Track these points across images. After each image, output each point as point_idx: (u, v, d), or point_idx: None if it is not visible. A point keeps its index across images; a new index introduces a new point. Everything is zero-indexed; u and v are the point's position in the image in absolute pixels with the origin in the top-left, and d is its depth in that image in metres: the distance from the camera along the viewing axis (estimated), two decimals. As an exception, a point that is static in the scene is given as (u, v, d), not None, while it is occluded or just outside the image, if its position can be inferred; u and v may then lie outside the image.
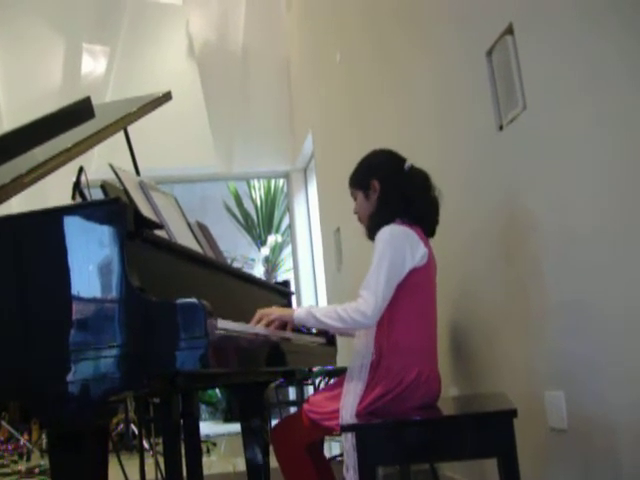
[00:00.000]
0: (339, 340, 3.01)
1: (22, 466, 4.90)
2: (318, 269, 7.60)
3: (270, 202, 9.65)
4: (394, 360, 2.23)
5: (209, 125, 7.67)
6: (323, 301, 7.21)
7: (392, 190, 2.41)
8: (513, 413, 1.76)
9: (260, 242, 9.54)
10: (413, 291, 2.26)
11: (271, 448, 2.48)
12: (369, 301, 2.15)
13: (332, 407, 2.21)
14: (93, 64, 7.63)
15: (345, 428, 1.95)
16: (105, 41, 7.61)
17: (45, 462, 5.23)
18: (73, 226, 1.69)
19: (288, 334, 2.30)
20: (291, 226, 8.39)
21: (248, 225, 9.83)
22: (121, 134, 2.90)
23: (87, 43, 7.61)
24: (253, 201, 9.78)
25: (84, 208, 1.73)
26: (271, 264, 9.12)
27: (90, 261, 1.66)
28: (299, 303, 7.75)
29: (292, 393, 7.65)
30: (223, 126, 7.79)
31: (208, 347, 1.58)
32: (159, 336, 1.57)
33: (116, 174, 2.22)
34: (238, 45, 8.02)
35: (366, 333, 2.31)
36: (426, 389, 2.23)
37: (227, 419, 8.46)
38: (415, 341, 2.27)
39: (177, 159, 7.34)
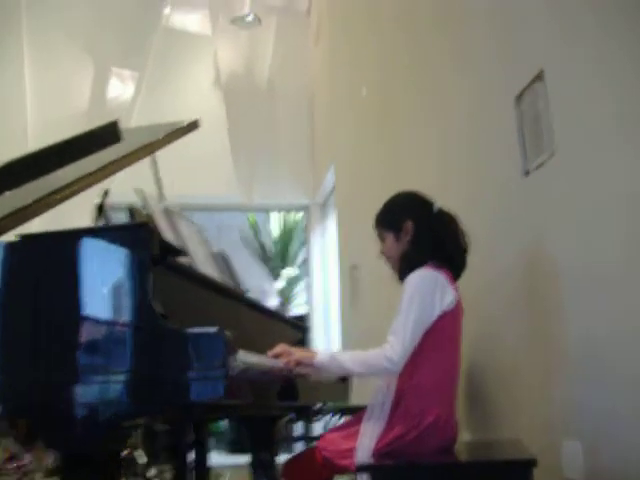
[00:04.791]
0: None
1: (25, 487, 4.85)
2: (332, 305, 7.57)
3: (287, 235, 9.65)
4: (414, 402, 2.20)
5: (231, 155, 7.72)
6: (335, 337, 7.16)
7: (424, 232, 2.40)
8: (533, 462, 1.73)
9: (275, 274, 9.52)
10: (439, 335, 2.24)
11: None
12: (396, 347, 2.13)
13: (347, 445, 2.17)
14: (121, 88, 7.70)
15: (361, 468, 1.92)
16: (134, 66, 7.70)
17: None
18: (99, 247, 1.70)
19: (307, 370, 2.27)
20: (307, 260, 8.37)
21: (265, 257, 9.82)
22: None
23: (116, 67, 7.70)
24: (270, 233, 9.79)
25: (112, 231, 1.74)
26: (285, 297, 9.09)
27: (114, 284, 1.66)
28: (311, 338, 7.69)
29: (298, 429, 7.60)
30: (245, 157, 7.84)
31: (227, 379, 1.56)
32: (178, 364, 1.56)
33: (143, 199, 2.23)
34: (264, 77, 8.10)
35: None
36: (444, 433, 2.20)
37: (233, 450, 8.34)
38: (437, 385, 2.24)
39: (198, 187, 7.36)
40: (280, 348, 2.19)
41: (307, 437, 6.70)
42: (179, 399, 1.57)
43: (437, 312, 2.23)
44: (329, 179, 7.20)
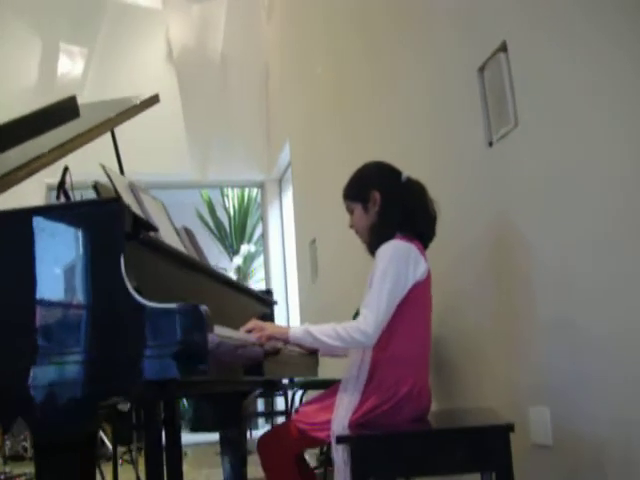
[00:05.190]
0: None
1: (-16, 473, 4.79)
2: (291, 280, 7.58)
3: (243, 211, 9.58)
4: (389, 373, 2.21)
5: (185, 131, 7.62)
6: (295, 312, 7.18)
7: (393, 202, 2.39)
8: (510, 427, 1.76)
9: (232, 251, 9.46)
10: (412, 306, 2.25)
11: (255, 458, 2.43)
12: (369, 320, 2.12)
13: (323, 418, 2.18)
14: (70, 64, 7.52)
15: (340, 439, 1.92)
16: (83, 42, 7.51)
17: (9, 469, 5.13)
18: (70, 224, 1.65)
19: (279, 344, 2.26)
20: (264, 236, 8.35)
21: (221, 234, 9.73)
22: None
23: (65, 43, 7.51)
24: (226, 210, 9.70)
25: (82, 206, 1.69)
26: (243, 274, 9.04)
27: (86, 262, 1.62)
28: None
29: (260, 404, 7.61)
30: (199, 133, 7.75)
31: (207, 354, 1.54)
32: (160, 340, 1.53)
33: (107, 175, 2.18)
34: (217, 52, 7.99)
35: None
36: (418, 402, 2.22)
37: (193, 428, 8.32)
38: (411, 355, 2.26)
39: (151, 164, 7.22)
40: (252, 323, 2.18)
41: (272, 412, 6.72)
42: (158, 376, 1.54)
43: (410, 283, 2.23)
44: (285, 154, 7.16)
